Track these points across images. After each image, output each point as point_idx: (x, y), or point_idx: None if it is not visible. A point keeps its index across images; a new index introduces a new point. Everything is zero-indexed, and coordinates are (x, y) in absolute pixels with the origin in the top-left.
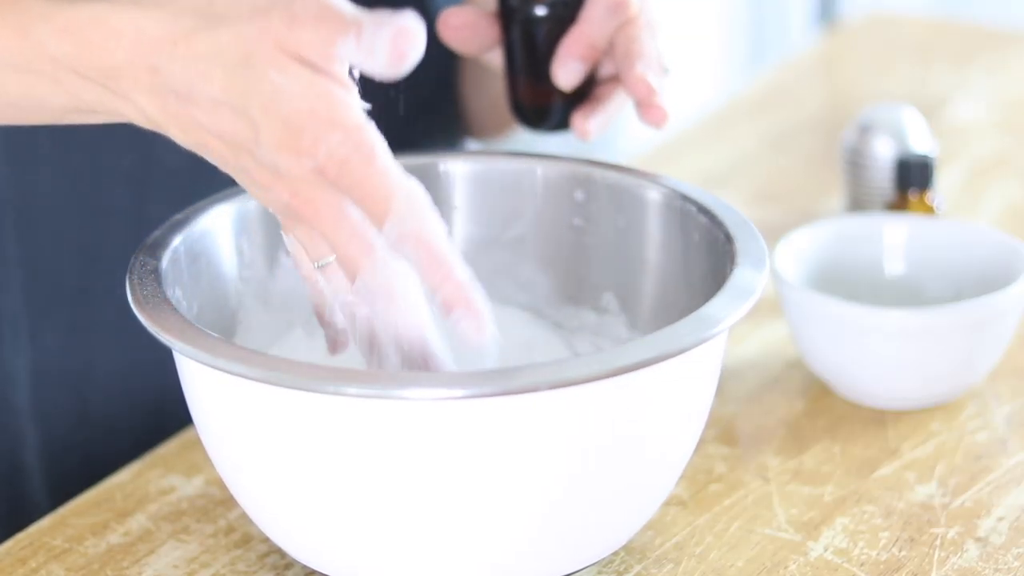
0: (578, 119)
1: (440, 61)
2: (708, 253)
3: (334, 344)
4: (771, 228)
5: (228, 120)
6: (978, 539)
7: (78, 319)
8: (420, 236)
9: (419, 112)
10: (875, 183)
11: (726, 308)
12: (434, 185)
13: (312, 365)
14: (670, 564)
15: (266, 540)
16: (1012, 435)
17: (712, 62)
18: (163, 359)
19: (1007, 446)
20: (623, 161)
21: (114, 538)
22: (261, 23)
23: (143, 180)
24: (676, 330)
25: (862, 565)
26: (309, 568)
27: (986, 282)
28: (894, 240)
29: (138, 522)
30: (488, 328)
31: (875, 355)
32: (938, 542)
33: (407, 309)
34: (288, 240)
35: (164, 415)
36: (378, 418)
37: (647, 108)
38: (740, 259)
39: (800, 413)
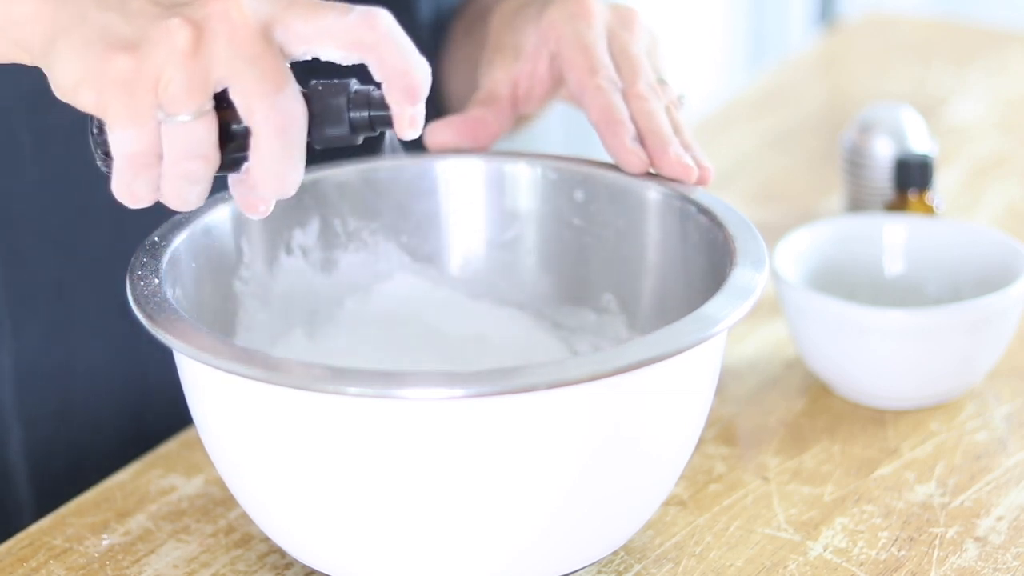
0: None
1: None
2: (708, 253)
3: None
4: (771, 228)
5: None
6: (977, 539)
7: (59, 315)
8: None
9: None
10: (875, 183)
11: (726, 308)
12: (433, 185)
13: (312, 365)
14: (670, 564)
15: (266, 540)
16: (1012, 435)
17: (712, 62)
18: (145, 355)
19: (1007, 446)
20: None
21: (114, 538)
22: None
23: None
24: (676, 330)
25: (861, 565)
26: (309, 568)
27: (986, 282)
28: (894, 240)
29: (138, 522)
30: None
31: (875, 355)
32: (937, 542)
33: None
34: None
35: (147, 411)
36: (378, 418)
37: (697, 182)
38: (740, 259)
39: (800, 413)
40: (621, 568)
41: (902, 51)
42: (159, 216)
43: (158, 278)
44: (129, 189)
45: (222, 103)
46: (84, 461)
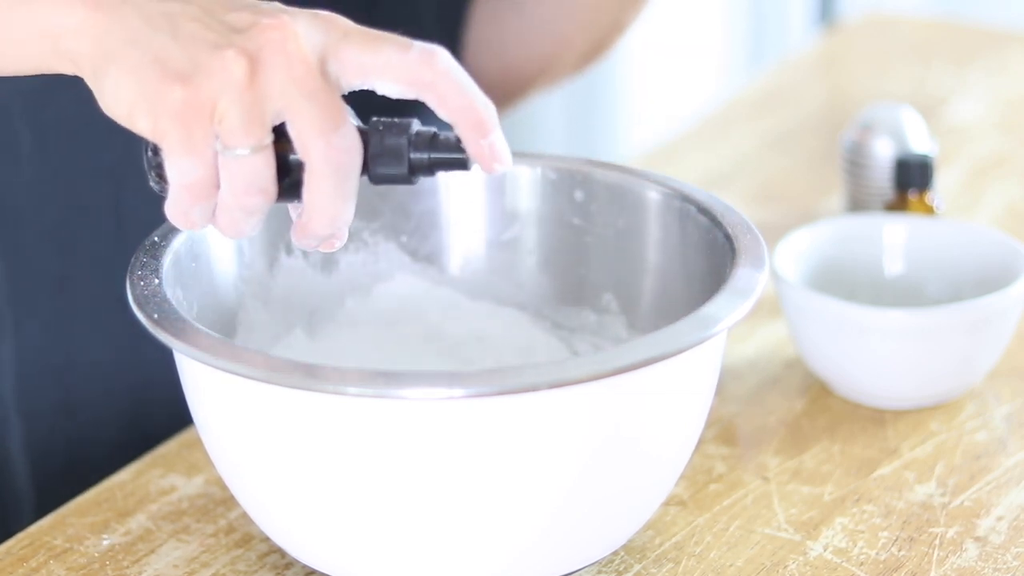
0: None
1: (445, 32)
2: (708, 253)
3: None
4: (771, 228)
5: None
6: (977, 539)
7: (59, 310)
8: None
9: None
10: (875, 183)
11: (726, 308)
12: (433, 185)
13: (312, 365)
14: (670, 564)
15: (266, 540)
16: (1012, 435)
17: (712, 62)
18: (145, 351)
19: (1006, 446)
20: (623, 161)
21: (114, 538)
22: None
23: (121, 174)
24: (676, 330)
25: (861, 565)
26: (309, 568)
27: (985, 282)
28: (894, 240)
29: (138, 522)
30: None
31: (875, 355)
32: (937, 542)
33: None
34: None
35: (147, 406)
36: (378, 418)
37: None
38: (740, 259)
39: (800, 413)
40: (621, 568)
41: (902, 51)
42: (159, 212)
43: (158, 278)
44: (186, 216)
45: (278, 134)
46: (84, 456)
